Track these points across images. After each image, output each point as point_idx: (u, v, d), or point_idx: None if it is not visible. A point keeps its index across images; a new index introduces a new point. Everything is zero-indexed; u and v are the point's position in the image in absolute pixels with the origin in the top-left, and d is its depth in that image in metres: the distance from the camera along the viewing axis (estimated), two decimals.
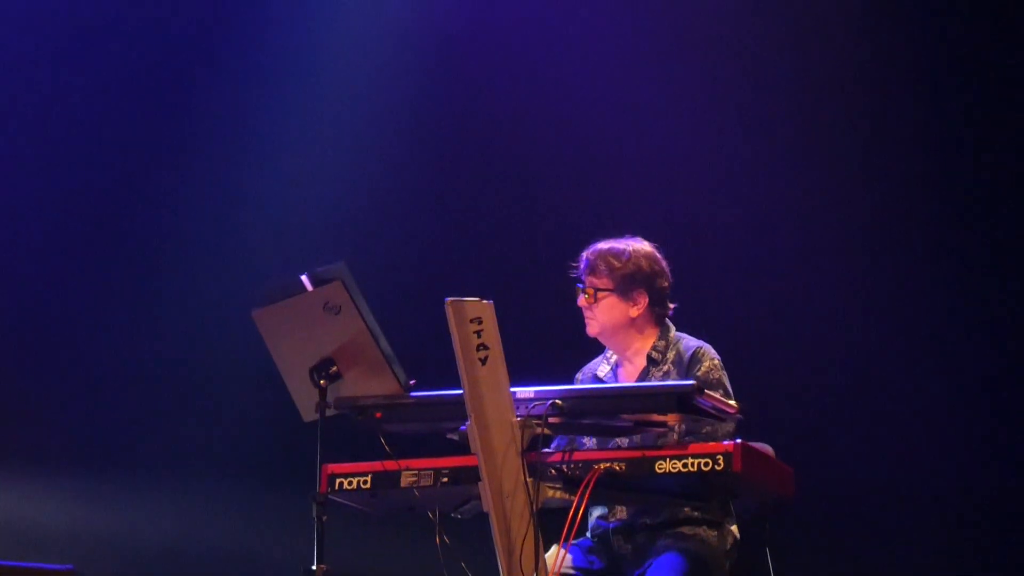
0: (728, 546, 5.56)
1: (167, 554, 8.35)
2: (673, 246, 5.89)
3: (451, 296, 4.82)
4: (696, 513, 5.51)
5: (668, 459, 4.85)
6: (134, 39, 8.59)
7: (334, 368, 5.07)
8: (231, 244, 8.47)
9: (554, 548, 5.15)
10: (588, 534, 5.69)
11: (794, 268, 8.03)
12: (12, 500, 8.33)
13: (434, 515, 5.15)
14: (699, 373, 5.59)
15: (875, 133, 8.08)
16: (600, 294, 5.71)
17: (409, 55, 8.59)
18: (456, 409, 4.89)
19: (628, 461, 4.90)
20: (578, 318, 5.80)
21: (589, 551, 5.62)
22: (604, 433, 5.33)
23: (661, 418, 4.97)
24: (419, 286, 8.03)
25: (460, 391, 4.83)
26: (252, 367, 6.48)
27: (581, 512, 4.84)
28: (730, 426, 5.40)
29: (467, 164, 8.52)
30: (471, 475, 4.92)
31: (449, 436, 5.10)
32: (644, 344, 5.75)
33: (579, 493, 4.84)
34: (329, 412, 5.08)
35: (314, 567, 4.94)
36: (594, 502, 5.46)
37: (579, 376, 5.92)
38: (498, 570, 4.83)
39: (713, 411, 4.94)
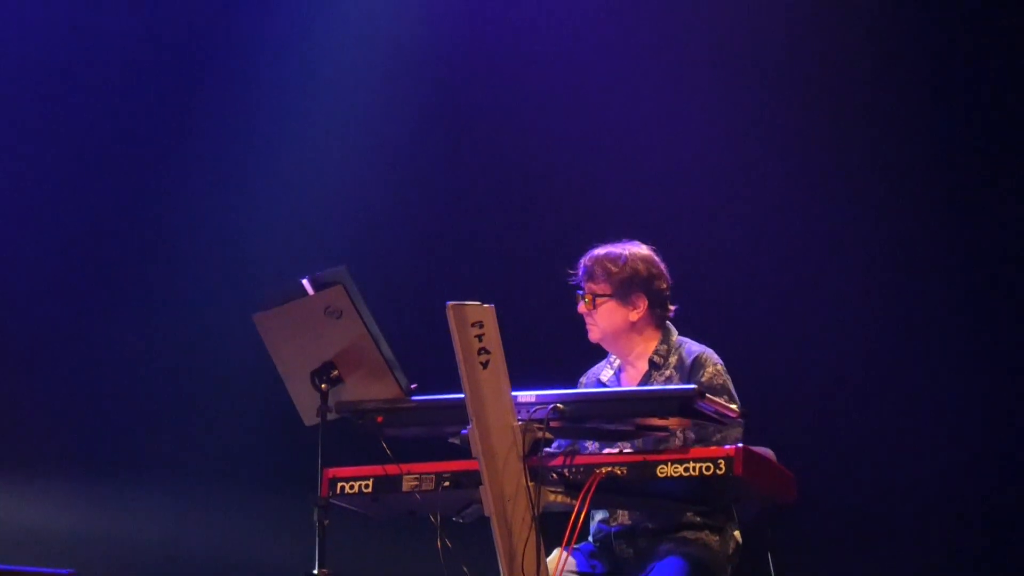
0: (730, 551, 5.55)
1: (168, 558, 8.34)
2: (674, 249, 5.88)
3: (452, 300, 4.81)
4: (698, 518, 5.50)
5: (670, 463, 4.85)
6: (136, 42, 8.59)
7: (335, 372, 5.07)
8: (233, 248, 8.47)
9: (556, 552, 5.15)
10: (590, 538, 5.68)
11: (796, 270, 8.03)
12: (13, 503, 8.33)
13: (435, 519, 5.14)
14: (703, 379, 5.58)
15: (877, 135, 8.07)
16: (599, 300, 5.71)
17: (410, 59, 8.59)
18: (457, 413, 4.88)
19: (630, 465, 4.90)
20: (579, 322, 5.80)
21: (591, 555, 5.62)
22: (606, 437, 5.32)
23: (662, 422, 4.97)
24: (420, 290, 8.03)
25: (461, 395, 4.82)
26: (253, 371, 6.48)
27: (583, 516, 4.83)
28: (738, 431, 5.40)
29: (468, 168, 8.52)
30: (472, 479, 4.91)
31: (450, 440, 5.09)
32: (646, 348, 5.75)
33: (581, 497, 4.84)
34: (330, 416, 5.08)
35: (315, 571, 4.94)
36: (596, 506, 5.46)
37: (583, 380, 5.92)
38: (500, 574, 4.82)
39: (715, 415, 4.94)
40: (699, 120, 8.21)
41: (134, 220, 8.60)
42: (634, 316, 5.73)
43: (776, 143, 8.14)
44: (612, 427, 5.08)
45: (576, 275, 5.78)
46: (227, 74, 8.63)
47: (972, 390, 7.80)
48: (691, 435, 5.36)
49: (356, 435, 5.10)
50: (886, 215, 8.02)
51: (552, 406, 4.90)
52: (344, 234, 8.39)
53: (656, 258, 5.77)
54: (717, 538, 5.53)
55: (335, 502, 5.11)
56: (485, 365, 4.79)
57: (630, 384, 5.74)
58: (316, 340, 5.06)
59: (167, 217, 8.59)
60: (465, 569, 5.04)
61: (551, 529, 4.92)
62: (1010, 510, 7.71)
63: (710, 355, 5.69)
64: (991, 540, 7.75)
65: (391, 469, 5.07)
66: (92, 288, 8.50)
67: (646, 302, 5.72)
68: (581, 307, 5.75)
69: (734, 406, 5.14)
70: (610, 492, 4.95)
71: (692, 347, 5.74)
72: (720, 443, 5.34)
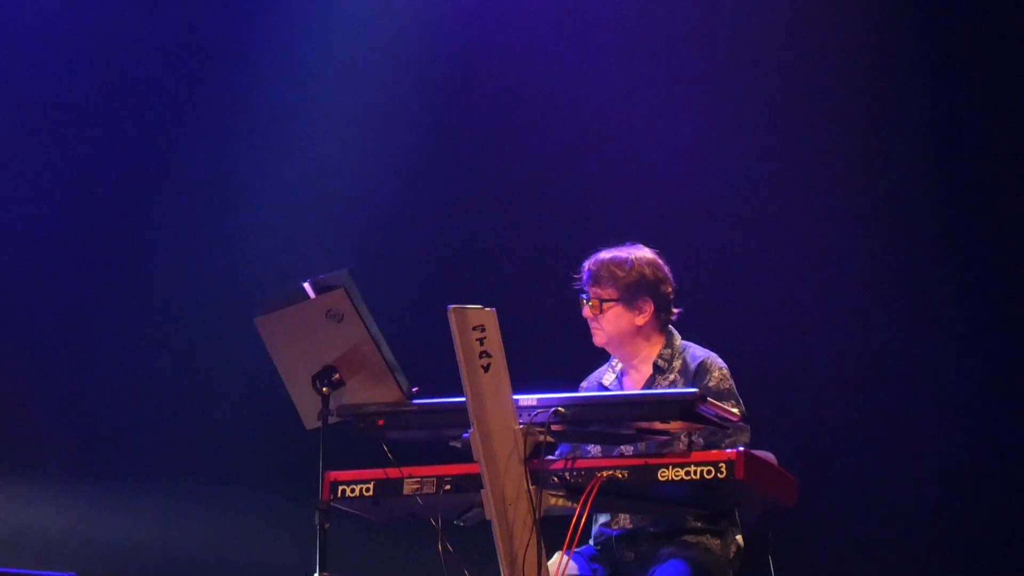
0: (732, 554, 5.55)
1: (169, 561, 8.34)
2: (676, 253, 5.88)
3: (454, 303, 4.81)
4: (699, 523, 5.50)
5: (671, 467, 4.85)
6: (137, 43, 8.58)
7: (336, 375, 5.08)
8: (234, 251, 8.47)
9: (557, 556, 5.15)
10: (591, 542, 5.68)
11: (797, 273, 8.02)
12: (15, 506, 8.32)
13: (436, 523, 5.14)
14: (709, 384, 5.58)
15: (879, 139, 8.07)
16: (605, 304, 5.70)
17: (413, 62, 8.58)
18: (459, 417, 4.88)
19: (631, 469, 4.89)
20: (581, 325, 5.79)
21: (592, 559, 5.61)
22: (607, 441, 5.32)
23: (664, 426, 4.97)
24: (422, 294, 8.03)
25: (463, 399, 4.82)
26: (255, 374, 6.47)
27: (584, 520, 4.83)
28: (746, 436, 5.40)
29: (469, 171, 8.52)
30: (474, 483, 4.91)
31: (452, 444, 5.09)
32: (651, 352, 5.75)
33: (582, 501, 4.83)
34: (332, 419, 5.08)
35: (317, 575, 4.93)
36: (597, 510, 5.47)
37: (584, 385, 5.92)
38: None
39: (716, 419, 4.93)
40: (702, 123, 8.21)
41: (135, 221, 8.60)
42: (640, 320, 5.72)
43: (778, 146, 8.14)
44: (614, 431, 5.08)
45: (580, 279, 5.78)
46: (229, 75, 8.62)
47: (975, 395, 7.80)
48: (699, 440, 5.36)
49: (357, 438, 5.10)
50: (889, 219, 8.01)
51: (553, 410, 4.90)
52: (346, 237, 8.39)
53: (661, 261, 5.77)
54: (719, 542, 5.53)
55: (336, 505, 5.11)
56: (486, 368, 4.79)
57: (633, 388, 5.73)
58: (317, 344, 5.06)
59: (168, 218, 8.58)
60: (466, 573, 5.04)
61: (552, 533, 4.91)
62: (1012, 514, 7.70)
63: (715, 359, 5.69)
64: (992, 544, 7.74)
65: (392, 472, 5.07)
66: (92, 289, 8.50)
67: (652, 306, 5.72)
68: (586, 311, 5.74)
69: (736, 410, 5.13)
70: (611, 496, 4.95)
71: (696, 351, 5.73)
72: (731, 447, 5.33)
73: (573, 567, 5.49)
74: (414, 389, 5.10)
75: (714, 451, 4.97)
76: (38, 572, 6.79)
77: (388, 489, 5.09)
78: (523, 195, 8.44)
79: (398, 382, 5.07)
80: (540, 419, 4.88)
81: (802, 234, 8.07)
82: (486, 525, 4.86)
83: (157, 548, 8.35)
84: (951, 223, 7.94)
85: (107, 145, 8.60)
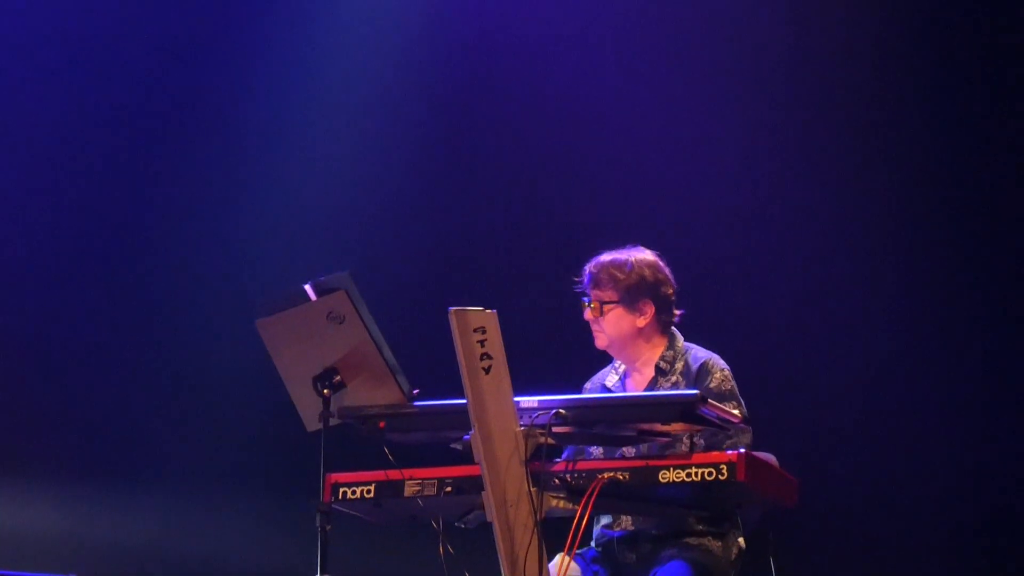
0: (733, 556, 5.55)
1: (169, 563, 8.34)
2: (677, 255, 5.88)
3: (455, 305, 4.81)
4: (700, 525, 5.50)
5: (672, 468, 4.85)
6: (138, 44, 8.58)
7: (338, 377, 5.08)
8: (235, 253, 8.47)
9: (558, 557, 5.15)
10: (593, 543, 5.68)
11: (798, 275, 8.03)
12: (15, 509, 8.32)
13: (438, 524, 5.14)
14: (711, 385, 5.57)
15: (882, 142, 8.07)
16: (606, 307, 5.70)
17: (414, 64, 8.58)
18: (460, 418, 4.88)
19: (632, 471, 4.90)
20: (582, 327, 5.79)
21: (593, 560, 5.61)
22: (609, 443, 5.32)
23: (665, 428, 4.97)
24: (423, 296, 8.03)
25: (463, 401, 4.83)
26: (256, 376, 6.47)
27: (585, 522, 4.83)
28: (748, 437, 5.40)
29: (470, 173, 8.52)
30: (475, 484, 4.92)
31: (453, 445, 5.09)
32: (653, 354, 5.74)
33: (583, 503, 4.84)
34: (333, 421, 5.09)
35: None
36: (598, 511, 5.47)
37: (587, 386, 5.92)
38: None
39: (718, 421, 4.93)
40: (703, 125, 8.21)
41: (136, 223, 8.59)
42: (641, 322, 5.72)
43: (779, 149, 8.14)
44: (615, 433, 5.08)
45: (581, 282, 5.77)
46: (230, 76, 8.62)
47: (975, 395, 7.80)
48: (700, 442, 5.35)
49: (358, 440, 5.10)
50: (890, 221, 8.01)
51: (554, 411, 4.90)
52: (347, 239, 8.39)
53: (661, 263, 5.77)
54: (720, 543, 5.53)
55: (337, 507, 5.12)
56: (487, 370, 4.79)
57: (636, 390, 5.73)
58: (318, 345, 5.07)
59: (168, 219, 8.58)
60: (467, 575, 5.04)
61: (553, 534, 4.92)
62: (1012, 514, 7.70)
63: (716, 361, 5.69)
64: (993, 546, 7.74)
65: (393, 474, 5.07)
66: (93, 291, 8.50)
67: (653, 308, 5.72)
68: (587, 314, 5.74)
69: (737, 411, 5.13)
70: (612, 497, 4.95)
71: (698, 353, 5.73)
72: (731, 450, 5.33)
73: (575, 569, 5.49)
74: (415, 391, 5.11)
75: (715, 453, 4.97)
76: (38, 574, 6.79)
77: (389, 491, 5.09)
78: (524, 197, 8.44)
79: (399, 384, 5.08)
80: (541, 421, 4.88)
81: (803, 235, 8.06)
82: (487, 527, 4.87)
83: (158, 550, 8.34)
84: (951, 224, 7.94)
85: (107, 146, 8.60)
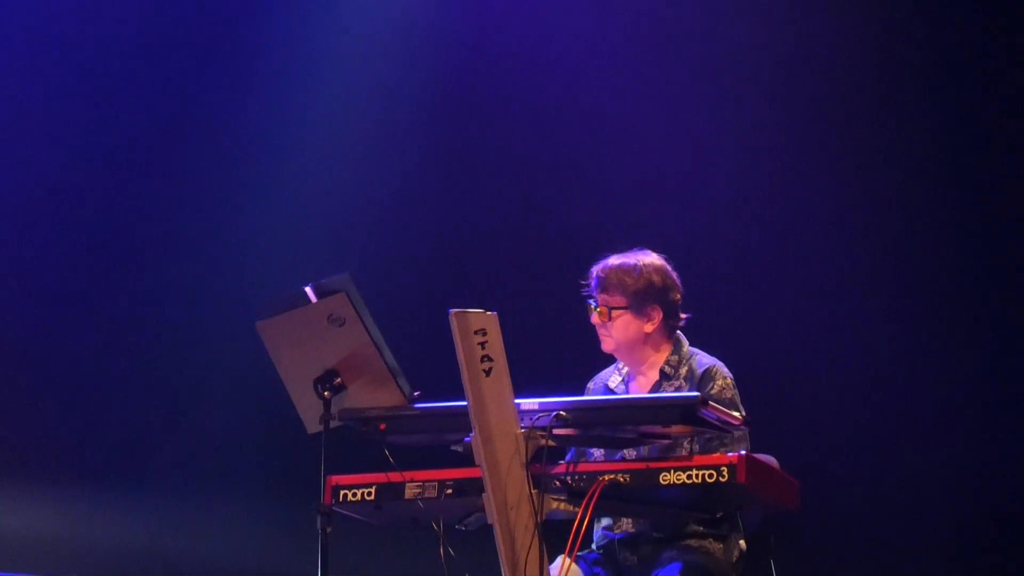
0: (734, 558, 5.54)
1: (171, 566, 8.34)
2: (678, 257, 5.87)
3: (455, 307, 4.81)
4: (700, 528, 5.50)
5: (673, 471, 4.85)
6: (139, 44, 8.58)
7: (338, 380, 5.08)
8: (235, 255, 8.47)
9: (559, 560, 5.15)
10: (594, 546, 5.68)
11: (799, 277, 8.02)
12: (14, 511, 8.32)
13: (438, 527, 5.13)
14: (712, 391, 5.56)
15: (880, 141, 8.07)
16: (614, 312, 5.69)
17: (416, 64, 8.58)
18: (460, 421, 4.88)
19: (632, 473, 4.89)
20: (583, 328, 5.79)
21: (594, 563, 5.61)
22: (610, 445, 5.32)
23: (665, 430, 4.96)
24: (423, 298, 8.03)
25: (464, 403, 4.82)
26: (256, 379, 6.48)
27: (586, 524, 4.83)
28: (745, 445, 5.39)
29: (471, 174, 8.51)
30: (475, 487, 4.91)
31: (453, 448, 5.09)
32: (658, 358, 5.73)
33: (583, 505, 4.83)
34: (333, 424, 5.09)
35: None
36: (599, 514, 5.47)
37: (590, 385, 5.91)
38: None
39: (718, 423, 4.93)
40: (706, 128, 8.20)
41: (135, 225, 8.59)
42: (649, 328, 5.71)
43: (779, 150, 8.13)
44: (615, 435, 5.08)
45: (588, 285, 5.76)
46: (231, 77, 8.62)
47: (975, 397, 7.80)
48: (696, 447, 5.35)
49: (359, 443, 5.10)
50: (891, 223, 8.01)
51: (555, 414, 4.89)
52: (347, 241, 8.38)
53: (669, 268, 5.75)
54: (721, 546, 5.52)
55: (338, 510, 5.11)
56: (488, 373, 4.79)
57: (639, 392, 5.72)
58: (319, 348, 5.07)
59: (169, 221, 8.58)
60: None
61: (554, 537, 4.91)
62: (1012, 515, 7.70)
63: (720, 368, 5.68)
64: (994, 549, 7.74)
65: (394, 477, 5.06)
66: (91, 295, 8.49)
67: (660, 313, 5.70)
68: (595, 318, 5.72)
69: (736, 413, 5.13)
70: (613, 499, 4.95)
71: (703, 359, 5.72)
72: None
73: (576, 571, 5.48)
74: (416, 393, 5.11)
75: (716, 455, 4.98)
76: None
77: (390, 493, 5.08)
78: (524, 198, 8.44)
79: (400, 386, 5.08)
80: (542, 423, 4.88)
81: (803, 236, 8.06)
82: (488, 529, 4.86)
83: (158, 553, 8.34)
84: (952, 224, 7.94)
85: (106, 147, 8.60)
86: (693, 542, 5.50)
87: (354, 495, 5.12)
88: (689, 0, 8.25)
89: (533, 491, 4.82)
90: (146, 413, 8.44)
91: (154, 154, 8.62)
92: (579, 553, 5.52)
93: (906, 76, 8.04)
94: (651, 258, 5.73)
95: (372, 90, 8.61)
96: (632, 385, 5.78)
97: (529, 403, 4.92)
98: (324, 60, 8.62)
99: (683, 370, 5.70)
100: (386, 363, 5.06)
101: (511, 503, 4.81)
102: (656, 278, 5.68)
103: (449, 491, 5.03)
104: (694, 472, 4.82)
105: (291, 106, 8.60)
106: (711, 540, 5.51)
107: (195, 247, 8.53)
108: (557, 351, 7.41)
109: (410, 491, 5.06)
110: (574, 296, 5.80)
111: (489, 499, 4.81)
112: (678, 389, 5.65)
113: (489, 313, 4.81)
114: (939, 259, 7.93)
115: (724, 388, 5.61)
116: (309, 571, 5.01)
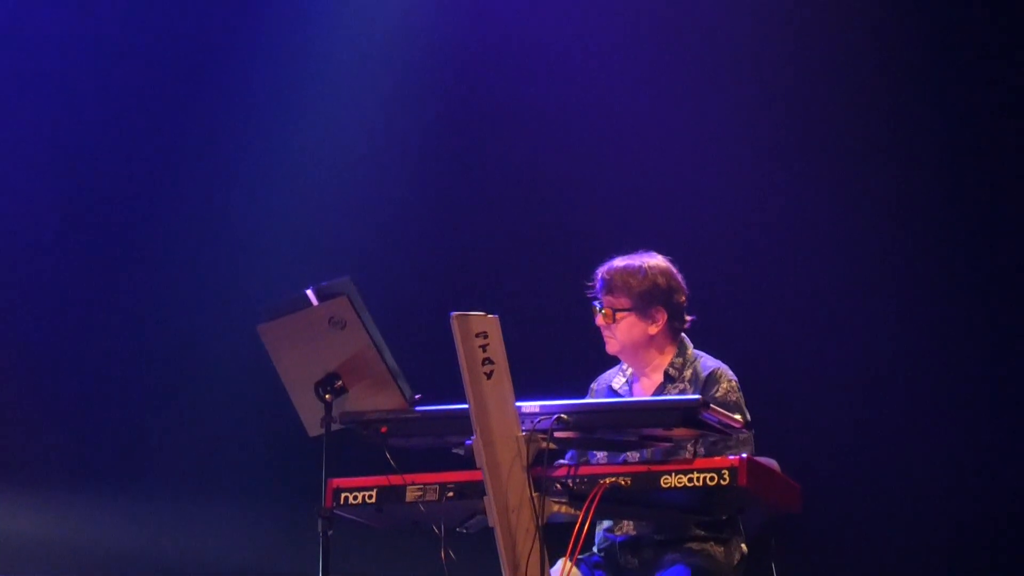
0: (735, 562, 5.54)
1: (171, 569, 8.33)
2: (680, 259, 5.87)
3: (456, 310, 4.81)
4: (702, 531, 5.50)
5: (674, 474, 4.84)
6: (139, 45, 8.58)
7: (339, 383, 5.08)
8: (236, 257, 8.46)
9: (560, 563, 5.15)
10: (595, 548, 5.68)
11: (801, 280, 8.02)
12: (15, 512, 8.32)
13: (439, 530, 5.13)
14: (717, 395, 5.56)
15: (881, 141, 8.07)
16: (619, 314, 5.68)
17: (418, 67, 8.57)
18: (461, 424, 4.87)
19: (634, 476, 4.89)
20: (584, 331, 5.78)
21: (596, 566, 5.61)
22: (611, 447, 5.32)
23: (667, 433, 4.96)
24: (424, 300, 8.02)
25: (465, 406, 4.82)
26: (257, 381, 6.47)
27: (587, 527, 4.83)
28: (748, 448, 5.38)
29: (472, 176, 8.51)
30: (476, 490, 4.91)
31: (454, 451, 5.08)
32: (663, 360, 5.73)
33: (585, 508, 4.83)
34: (334, 427, 5.08)
35: None
36: (600, 517, 5.46)
37: (594, 386, 5.91)
38: None
39: (719, 426, 4.93)
40: (708, 129, 8.20)
41: (135, 226, 8.59)
42: (653, 330, 5.70)
43: (782, 152, 8.13)
44: (617, 437, 5.07)
45: (593, 287, 5.75)
46: (232, 78, 8.62)
47: (976, 400, 7.80)
48: (702, 450, 5.35)
49: (360, 445, 5.10)
50: (891, 225, 8.01)
51: (556, 416, 4.89)
52: (348, 243, 8.38)
53: (674, 270, 5.74)
54: (722, 549, 5.52)
55: (339, 512, 5.11)
56: (489, 375, 4.79)
57: (643, 395, 5.72)
58: (320, 351, 5.06)
59: (169, 223, 8.58)
60: None
61: (555, 540, 4.91)
62: (1012, 516, 7.70)
63: (725, 371, 5.67)
64: (994, 549, 7.74)
65: (395, 480, 5.06)
66: (92, 298, 8.49)
67: (665, 316, 5.69)
68: (599, 320, 5.72)
69: (738, 416, 5.13)
70: (614, 502, 4.94)
71: (708, 362, 5.71)
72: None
73: (577, 574, 5.49)
74: (417, 396, 5.11)
75: (717, 458, 4.97)
76: None
77: (391, 496, 5.08)
78: (525, 201, 8.43)
79: (401, 389, 5.07)
80: (543, 426, 4.87)
81: (805, 240, 8.06)
82: (489, 532, 4.86)
83: (158, 556, 8.34)
84: (952, 224, 7.94)
85: (108, 148, 8.59)
86: (694, 545, 5.50)
87: (355, 498, 5.11)
88: (690, 1, 8.25)
89: (534, 494, 4.82)
90: (147, 415, 8.44)
91: (155, 156, 8.62)
92: (580, 556, 5.53)
93: (906, 76, 8.05)
94: (656, 260, 5.72)
95: (374, 93, 8.60)
96: (636, 387, 5.77)
97: (530, 406, 4.92)
98: (326, 63, 8.61)
99: (688, 372, 5.69)
100: (387, 366, 5.06)
101: (512, 506, 4.80)
102: (661, 280, 5.67)
103: (450, 494, 5.03)
104: (695, 475, 4.82)
105: (294, 109, 8.60)
106: (712, 543, 5.51)
107: (196, 250, 8.52)
108: (558, 354, 7.41)
109: (411, 494, 5.06)
110: (575, 299, 5.80)
111: (490, 502, 4.81)
112: (682, 392, 5.64)
113: (490, 316, 4.81)
114: (939, 259, 7.93)
115: (729, 391, 5.61)
116: (310, 574, 5.00)
